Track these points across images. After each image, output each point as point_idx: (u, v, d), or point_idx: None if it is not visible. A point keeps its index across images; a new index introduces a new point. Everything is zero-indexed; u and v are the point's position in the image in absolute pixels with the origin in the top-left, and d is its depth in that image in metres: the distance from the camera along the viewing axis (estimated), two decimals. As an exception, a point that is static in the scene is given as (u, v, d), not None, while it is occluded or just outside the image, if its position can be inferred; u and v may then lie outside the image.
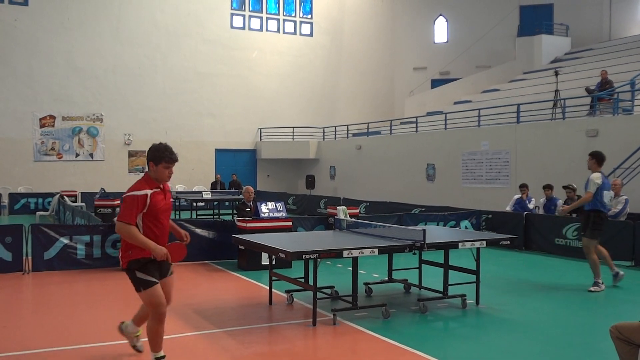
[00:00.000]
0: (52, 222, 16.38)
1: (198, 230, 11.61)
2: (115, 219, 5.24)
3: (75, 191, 20.88)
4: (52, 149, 25.25)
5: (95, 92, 25.88)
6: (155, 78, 26.92)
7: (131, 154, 26.59)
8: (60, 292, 9.14)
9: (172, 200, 5.54)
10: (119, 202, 16.64)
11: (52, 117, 25.28)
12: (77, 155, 25.66)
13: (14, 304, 8.62)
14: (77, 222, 14.09)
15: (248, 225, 10.77)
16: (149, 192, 5.17)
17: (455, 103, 27.12)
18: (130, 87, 26.44)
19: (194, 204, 19.51)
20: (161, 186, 5.34)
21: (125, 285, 9.47)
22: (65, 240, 10.59)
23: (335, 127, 28.54)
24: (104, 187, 21.24)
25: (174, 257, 5.30)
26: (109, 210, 15.56)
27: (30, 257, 10.38)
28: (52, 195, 21.32)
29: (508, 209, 15.16)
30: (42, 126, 25.10)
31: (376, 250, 7.19)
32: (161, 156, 5.36)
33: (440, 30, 31.85)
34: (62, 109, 25.37)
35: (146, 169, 5.43)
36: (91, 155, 25.91)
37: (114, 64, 26.17)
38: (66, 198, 18.50)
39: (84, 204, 19.40)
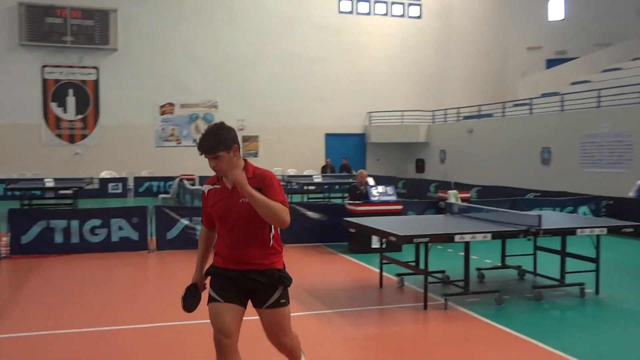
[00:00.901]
0: (173, 205, 17.26)
1: (309, 213, 11.86)
2: None
3: (194, 175, 21.81)
4: (172, 135, 26.56)
5: (211, 79, 26.88)
6: (266, 64, 27.56)
7: (245, 139, 27.43)
8: (181, 270, 9.65)
9: (245, 200, 3.73)
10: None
11: (172, 104, 26.57)
12: (194, 140, 26.81)
13: (141, 280, 9.23)
14: (195, 204, 14.77)
15: (359, 208, 10.88)
16: (206, 188, 4.03)
17: (573, 84, 25.83)
18: (243, 74, 27.23)
19: (305, 187, 19.91)
20: (221, 180, 3.92)
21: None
22: (185, 222, 11.16)
23: (445, 110, 28.05)
24: (219, 171, 22.09)
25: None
26: (225, 193, 16.20)
27: (154, 237, 11.04)
28: (172, 178, 22.42)
29: (631, 194, 14.33)
30: (162, 113, 26.44)
31: (489, 235, 7.07)
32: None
33: (556, 7, 30.34)
34: (180, 96, 26.59)
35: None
36: (207, 140, 26.95)
37: (229, 52, 27.03)
38: (185, 181, 19.42)
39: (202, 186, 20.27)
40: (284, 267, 4.02)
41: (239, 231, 3.84)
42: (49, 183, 17.06)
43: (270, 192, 3.79)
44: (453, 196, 12.21)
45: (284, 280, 3.93)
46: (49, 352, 5.63)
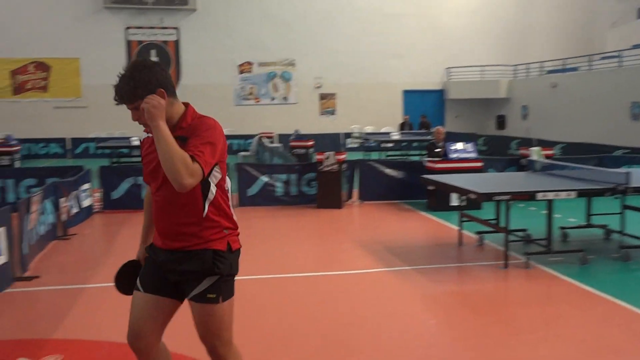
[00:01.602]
0: (253, 162, 17.62)
1: (387, 170, 11.85)
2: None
3: (272, 133, 22.15)
4: (251, 93, 26.93)
5: (288, 38, 26.91)
6: (342, 21, 27.29)
7: (322, 97, 27.47)
8: (263, 226, 9.92)
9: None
10: (312, 143, 17.47)
11: (250, 63, 26.86)
12: (273, 99, 27.12)
13: (223, 235, 9.53)
14: (275, 161, 15.03)
15: (437, 165, 10.78)
16: (144, 135, 3.23)
17: (669, 33, 24.30)
18: (319, 32, 27.10)
19: (383, 145, 19.84)
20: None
21: (319, 221, 10.06)
22: (265, 179, 11.40)
23: (527, 64, 27.04)
24: (298, 128, 22.32)
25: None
26: (304, 150, 16.40)
27: (236, 193, 11.34)
28: (251, 136, 22.83)
29: None
30: (240, 72, 26.79)
31: (573, 193, 6.87)
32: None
33: (653, -49, 28.41)
34: (258, 55, 26.82)
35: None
36: (285, 98, 27.22)
37: (304, 10, 26.92)
38: (264, 139, 19.74)
39: (280, 144, 20.56)
40: (231, 250, 3.02)
41: (162, 193, 2.94)
42: (135, 141, 17.73)
43: (192, 139, 2.84)
44: (536, 153, 11.86)
45: (217, 265, 2.91)
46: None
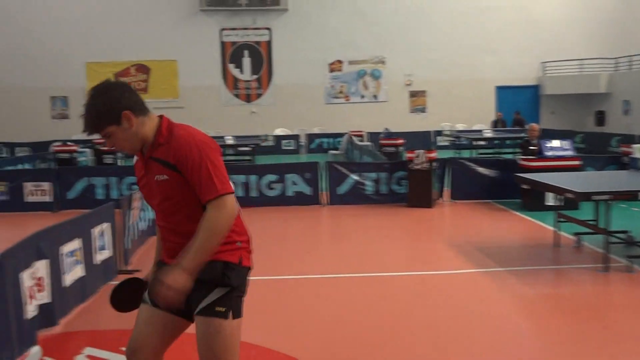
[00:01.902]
0: (343, 160, 17.73)
1: (480, 169, 11.61)
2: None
3: (362, 131, 22.16)
4: (341, 92, 27.07)
5: (378, 35, 26.84)
6: (433, 17, 26.90)
7: (412, 94, 27.24)
8: (353, 224, 9.97)
9: (160, 179, 2.72)
10: (402, 141, 17.36)
11: (340, 62, 27.01)
12: (363, 97, 27.14)
13: (314, 233, 9.67)
14: (364, 160, 15.05)
15: (532, 164, 10.46)
16: (135, 158, 2.96)
17: None
18: (410, 28, 26.84)
19: (475, 143, 19.44)
20: (144, 151, 2.80)
21: (408, 220, 10.00)
22: (355, 177, 11.45)
23: (630, 56, 25.68)
24: (387, 126, 22.24)
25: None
26: (394, 149, 16.33)
27: (326, 192, 11.46)
28: (341, 135, 22.95)
29: None
30: (331, 71, 26.99)
31: (681, 194, 6.50)
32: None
33: None
34: (348, 53, 26.92)
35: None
36: (375, 96, 27.18)
37: (395, 6, 26.75)
38: (354, 137, 19.79)
39: (370, 143, 20.56)
40: (242, 264, 2.82)
41: (162, 215, 2.84)
42: (229, 140, 18.25)
43: (192, 174, 2.66)
44: (638, 151, 11.29)
45: (227, 275, 2.72)
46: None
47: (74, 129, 25.38)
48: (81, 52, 25.73)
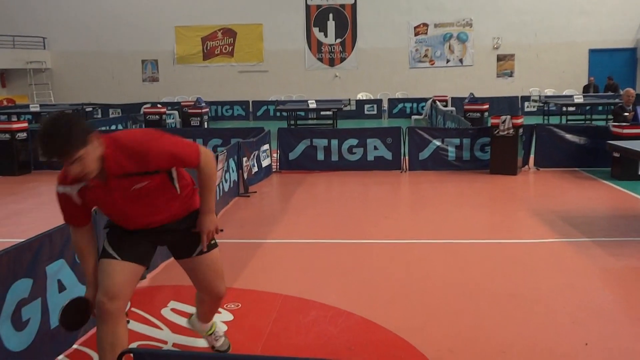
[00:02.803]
0: (425, 126, 17.51)
1: (568, 136, 11.18)
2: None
3: (446, 96, 21.74)
4: (425, 55, 26.55)
5: (465, -3, 26.07)
6: (525, -23, 25.80)
7: (499, 58, 26.36)
8: (432, 190, 9.89)
9: (138, 186, 3.10)
10: (487, 106, 16.92)
11: (425, 25, 26.43)
12: (448, 61, 26.53)
13: (394, 198, 9.66)
14: (448, 125, 14.81)
15: (625, 131, 9.98)
16: (66, 189, 3.12)
17: None
18: (499, -11, 25.90)
19: (564, 109, 18.70)
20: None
21: (491, 187, 9.81)
22: (437, 143, 11.29)
23: None
24: (472, 91, 21.71)
25: None
26: (478, 114, 15.96)
27: (407, 157, 11.38)
28: (425, 100, 22.62)
29: None
30: (416, 34, 26.47)
31: None
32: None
33: None
34: (434, 16, 26.29)
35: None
36: (461, 60, 26.51)
37: (484, -34, 25.84)
38: (438, 103, 19.47)
39: (454, 108, 20.16)
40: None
41: (140, 210, 3.20)
42: (312, 104, 18.35)
43: (171, 164, 3.16)
44: None
45: None
46: (307, 256, 6.27)
47: (163, 91, 26.30)
48: (170, 17, 26.42)
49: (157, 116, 17.81)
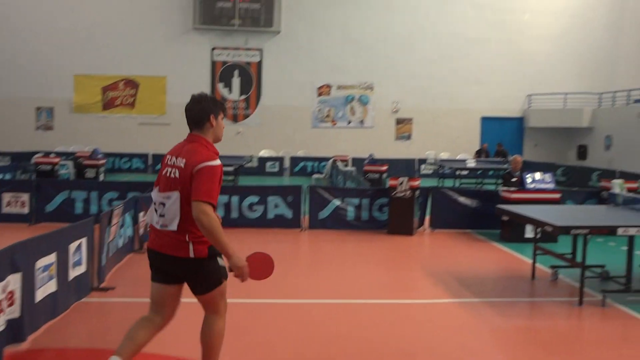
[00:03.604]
0: (326, 185, 17.75)
1: (461, 199, 11.67)
2: (198, 199, 3.75)
3: (347, 156, 22.24)
4: (328, 116, 27.18)
5: (367, 61, 27.08)
6: (423, 46, 27.21)
7: (398, 121, 27.41)
8: (332, 249, 9.96)
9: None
10: (386, 167, 17.41)
11: (329, 86, 27.17)
12: (349, 122, 27.28)
13: (293, 257, 9.63)
14: (347, 185, 15.08)
15: (513, 195, 10.53)
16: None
17: None
18: (399, 56, 27.12)
19: (458, 172, 19.56)
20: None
21: (389, 247, 10.00)
22: (337, 202, 11.44)
23: (613, 92, 26.10)
24: (372, 153, 22.33)
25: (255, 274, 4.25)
26: (377, 175, 16.37)
27: (307, 216, 11.44)
28: (326, 159, 23.01)
29: None
30: (319, 95, 27.13)
31: (657, 231, 6.57)
32: (223, 105, 4.27)
33: None
34: (337, 78, 27.10)
35: (200, 135, 4.13)
36: (362, 122, 27.33)
37: (385, 34, 27.04)
38: (339, 162, 19.84)
39: (354, 168, 20.62)
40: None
41: None
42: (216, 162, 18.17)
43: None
44: (618, 186, 11.39)
45: None
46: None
47: (58, 140, 25.26)
48: (70, 64, 25.67)
49: (49, 166, 17.07)
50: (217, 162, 3.90)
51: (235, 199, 11.32)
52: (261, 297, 6.80)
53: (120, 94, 26.22)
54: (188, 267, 3.89)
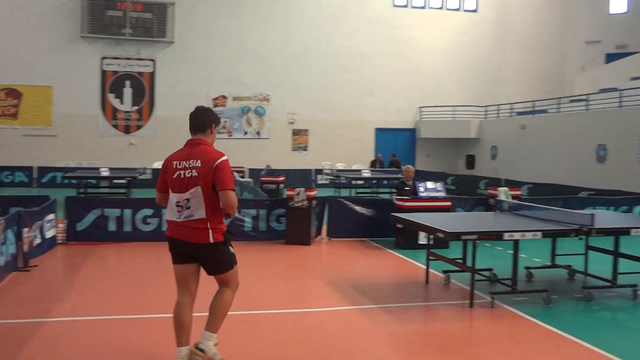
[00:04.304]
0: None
1: (357, 208, 11.87)
2: (226, 189, 4.61)
3: (244, 167, 22.08)
4: (223, 127, 26.91)
5: (263, 73, 27.11)
6: (318, 58, 27.61)
7: (295, 132, 27.59)
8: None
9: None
10: (283, 178, 17.47)
11: (224, 97, 26.93)
12: (246, 133, 27.15)
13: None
14: (245, 196, 14.96)
15: (407, 204, 10.83)
16: None
17: (633, 79, 25.02)
18: (295, 68, 27.36)
19: (353, 182, 19.91)
20: None
21: (286, 258, 10.00)
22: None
23: (498, 105, 27.59)
24: (269, 164, 22.33)
25: None
26: (274, 186, 16.35)
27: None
28: (223, 170, 22.70)
29: (691, 195, 13.85)
30: (215, 106, 26.79)
31: (539, 234, 6.95)
32: (219, 118, 5.30)
33: (618, 0, 29.44)
34: (233, 89, 26.92)
35: (204, 139, 4.93)
36: (258, 133, 27.29)
37: (281, 46, 27.20)
38: (235, 174, 19.68)
39: (251, 179, 20.52)
40: None
41: None
42: (104, 172, 17.56)
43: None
44: (503, 193, 12.03)
45: None
46: (98, 336, 5.81)
47: None
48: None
49: None
50: (226, 157, 4.74)
51: (128, 212, 10.94)
52: (160, 312, 6.58)
53: (1, 104, 24.72)
54: (207, 250, 4.68)
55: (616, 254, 7.76)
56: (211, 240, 4.63)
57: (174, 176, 4.70)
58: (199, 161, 4.67)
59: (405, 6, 28.90)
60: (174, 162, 4.77)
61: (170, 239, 4.80)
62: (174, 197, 4.72)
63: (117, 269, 9.29)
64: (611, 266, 7.78)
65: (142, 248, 10.42)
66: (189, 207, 4.62)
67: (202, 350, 4.71)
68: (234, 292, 4.92)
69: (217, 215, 4.67)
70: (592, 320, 6.72)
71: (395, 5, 28.76)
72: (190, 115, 4.93)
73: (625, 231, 7.32)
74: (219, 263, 4.75)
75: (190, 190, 4.62)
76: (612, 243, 7.77)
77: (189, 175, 4.65)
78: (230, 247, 4.77)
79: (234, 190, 4.67)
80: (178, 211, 4.67)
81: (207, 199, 4.61)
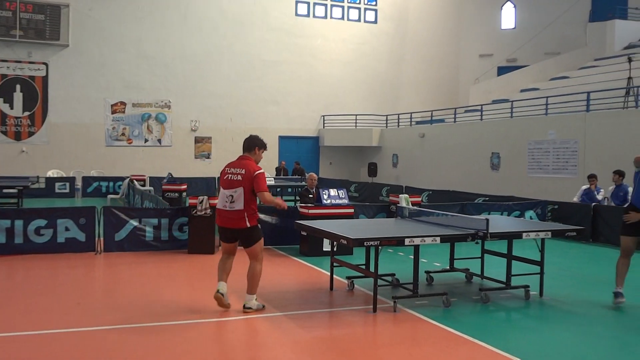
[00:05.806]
0: (122, 205, 16.98)
1: (261, 216, 11.75)
2: (262, 190, 6.70)
3: (144, 175, 21.48)
4: (123, 134, 26.11)
5: (164, 79, 26.56)
6: (221, 66, 27.38)
7: (197, 140, 27.19)
8: (129, 272, 9.51)
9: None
10: (185, 186, 17.15)
11: (123, 103, 26.13)
12: (146, 140, 26.46)
13: (87, 282, 9.03)
14: (145, 205, 14.56)
15: (310, 211, 10.89)
16: None
17: (522, 91, 26.49)
18: (197, 75, 26.99)
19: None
20: None
21: (190, 267, 9.80)
22: (134, 223, 10.98)
23: (398, 114, 28.37)
24: (171, 172, 21.85)
25: None
26: (176, 194, 15.99)
27: (102, 238, 10.82)
28: (122, 179, 22.04)
29: (575, 199, 14.77)
30: (113, 112, 25.98)
31: (438, 239, 7.17)
32: (265, 144, 7.25)
33: (508, 16, 31.10)
34: (132, 95, 26.18)
35: (250, 156, 7.01)
36: (159, 140, 26.66)
37: (182, 52, 26.76)
38: (135, 182, 19.11)
39: (152, 188, 19.99)
40: None
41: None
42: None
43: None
44: (404, 200, 12.33)
45: None
46: (-11, 355, 5.45)
47: None
48: None
49: None
50: (262, 170, 6.84)
51: (19, 223, 10.36)
52: (53, 327, 6.25)
53: None
54: (245, 232, 6.78)
55: (510, 257, 8.13)
56: (248, 225, 6.71)
57: (225, 177, 6.84)
58: (243, 170, 6.77)
59: (308, 16, 29.23)
60: (227, 169, 6.92)
61: (220, 228, 6.95)
62: (223, 192, 6.80)
63: (7, 284, 8.74)
64: (505, 268, 8.14)
65: (34, 261, 9.89)
66: (232, 201, 6.70)
67: (249, 308, 6.84)
68: (261, 264, 6.98)
69: (251, 207, 6.72)
70: (489, 320, 7.00)
71: (298, 15, 29.03)
72: (244, 139, 7.14)
73: (518, 235, 7.70)
74: (250, 239, 6.82)
75: (235, 189, 6.70)
76: (506, 246, 8.15)
77: (234, 179, 6.76)
78: (259, 228, 6.90)
79: (268, 191, 6.76)
80: (226, 201, 6.74)
81: (245, 197, 6.68)
